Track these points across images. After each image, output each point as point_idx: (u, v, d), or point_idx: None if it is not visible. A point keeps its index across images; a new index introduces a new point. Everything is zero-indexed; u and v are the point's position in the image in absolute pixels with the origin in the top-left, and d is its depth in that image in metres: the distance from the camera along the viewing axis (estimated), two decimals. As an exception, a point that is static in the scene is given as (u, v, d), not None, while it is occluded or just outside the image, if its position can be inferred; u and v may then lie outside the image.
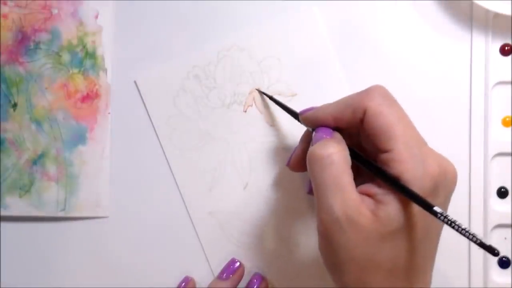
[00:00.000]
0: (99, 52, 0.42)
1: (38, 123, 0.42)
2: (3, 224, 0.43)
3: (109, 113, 0.42)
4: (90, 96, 0.42)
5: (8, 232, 0.43)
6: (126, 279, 0.42)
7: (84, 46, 0.42)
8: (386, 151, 0.29)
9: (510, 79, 0.40)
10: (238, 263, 0.41)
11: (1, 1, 0.42)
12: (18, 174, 0.42)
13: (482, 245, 0.25)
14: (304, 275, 0.42)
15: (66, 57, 0.42)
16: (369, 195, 0.30)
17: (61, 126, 0.42)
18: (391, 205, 0.28)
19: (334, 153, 0.30)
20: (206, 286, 0.41)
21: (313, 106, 0.34)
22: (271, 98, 0.40)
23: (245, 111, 0.41)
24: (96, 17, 0.42)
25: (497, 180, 0.41)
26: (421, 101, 0.41)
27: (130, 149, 0.42)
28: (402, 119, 0.30)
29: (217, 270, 0.42)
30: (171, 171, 0.42)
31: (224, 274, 0.41)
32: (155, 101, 0.42)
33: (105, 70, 0.42)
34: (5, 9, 0.42)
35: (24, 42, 0.42)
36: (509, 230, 0.41)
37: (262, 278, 0.41)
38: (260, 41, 0.41)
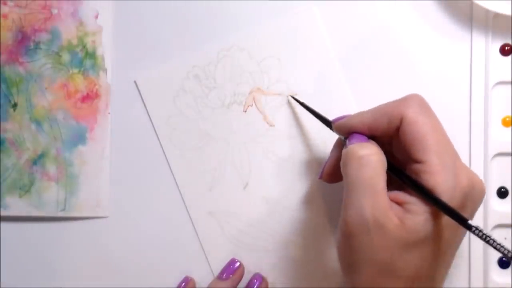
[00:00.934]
0: (99, 52, 0.42)
1: (38, 123, 0.42)
2: (3, 224, 0.43)
3: (109, 113, 0.42)
4: (90, 96, 0.42)
5: (8, 232, 0.43)
6: (126, 279, 0.42)
7: (84, 46, 0.42)
8: (419, 162, 0.29)
9: (510, 79, 0.40)
10: (238, 263, 0.41)
11: (1, 1, 0.42)
12: (18, 174, 0.42)
13: None
14: (305, 275, 0.42)
15: (66, 57, 0.42)
16: (398, 202, 0.30)
17: (61, 126, 0.42)
18: (419, 215, 0.29)
19: (372, 154, 0.30)
20: (206, 286, 0.41)
21: (346, 114, 0.34)
22: (303, 105, 0.40)
23: (245, 111, 0.41)
24: (96, 17, 0.42)
25: (497, 180, 0.41)
26: (421, 101, 0.41)
27: (130, 149, 0.42)
28: (437, 130, 0.30)
29: (217, 270, 0.42)
30: (171, 171, 0.42)
31: (224, 274, 0.41)
32: (155, 101, 0.42)
33: (105, 70, 0.42)
34: (5, 9, 0.42)
35: (24, 42, 0.42)
36: (509, 230, 0.41)
37: (262, 278, 0.41)
38: (260, 41, 0.41)
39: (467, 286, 0.41)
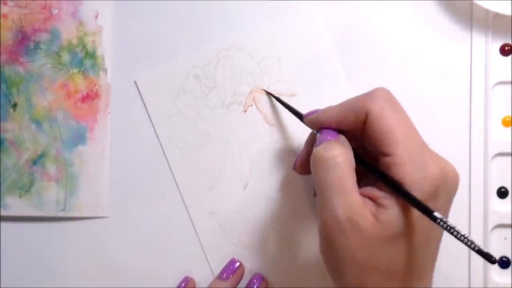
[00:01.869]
0: (99, 52, 0.42)
1: (38, 123, 0.42)
2: (3, 224, 0.43)
3: (109, 113, 0.42)
4: (90, 96, 0.42)
5: (8, 232, 0.43)
6: (126, 279, 0.42)
7: (84, 46, 0.42)
8: (387, 155, 0.29)
9: (510, 79, 0.40)
10: (238, 263, 0.41)
11: (1, 1, 0.42)
12: (18, 174, 0.42)
13: (480, 252, 0.26)
14: (305, 275, 0.42)
15: (66, 57, 0.42)
16: (371, 198, 0.30)
17: (61, 126, 0.42)
18: (392, 209, 0.29)
19: (338, 155, 0.30)
20: (206, 286, 0.41)
21: (318, 109, 0.34)
22: (277, 98, 0.40)
23: (245, 111, 0.41)
24: (96, 17, 0.42)
25: (497, 180, 0.41)
26: (421, 101, 0.41)
27: (130, 149, 0.42)
28: (404, 122, 0.30)
29: (217, 270, 0.42)
30: (171, 171, 0.42)
31: (224, 274, 0.41)
32: (155, 101, 0.42)
33: (105, 70, 0.42)
34: (5, 9, 0.42)
35: (24, 42, 0.42)
36: (509, 230, 0.41)
37: (262, 278, 0.41)
38: (260, 41, 0.41)
39: (467, 286, 0.41)
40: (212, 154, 0.42)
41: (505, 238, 0.41)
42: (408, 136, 0.30)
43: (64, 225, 0.43)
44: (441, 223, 0.27)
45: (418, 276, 0.30)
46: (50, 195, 0.42)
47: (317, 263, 0.41)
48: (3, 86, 0.42)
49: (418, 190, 0.28)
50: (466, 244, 0.26)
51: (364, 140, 0.32)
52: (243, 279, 0.41)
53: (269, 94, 0.41)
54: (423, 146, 0.30)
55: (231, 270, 0.41)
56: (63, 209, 0.42)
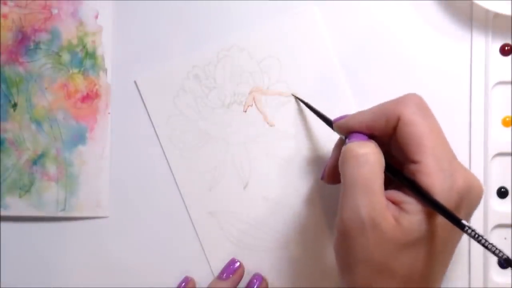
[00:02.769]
0: (99, 52, 0.42)
1: (38, 123, 0.42)
2: (3, 224, 0.43)
3: (109, 113, 0.42)
4: (90, 96, 0.42)
5: (8, 232, 0.43)
6: (126, 279, 0.42)
7: (84, 46, 0.42)
8: (415, 162, 0.29)
9: (510, 79, 0.40)
10: (238, 263, 0.41)
11: (1, 1, 0.41)
12: (18, 174, 0.42)
13: (508, 261, 0.26)
14: (305, 275, 0.42)
15: (66, 57, 0.42)
16: (394, 201, 0.30)
17: (61, 126, 0.42)
18: (415, 215, 0.29)
19: (370, 153, 0.30)
20: (206, 286, 0.41)
21: (347, 114, 0.34)
22: (306, 104, 0.40)
23: (245, 111, 0.41)
24: (96, 17, 0.42)
25: (497, 180, 0.41)
26: (421, 101, 0.41)
27: (130, 149, 0.42)
28: (434, 130, 0.30)
29: (217, 270, 0.42)
30: (171, 171, 0.42)
31: (224, 274, 0.41)
32: (155, 101, 0.42)
33: (105, 70, 0.42)
34: (5, 9, 0.42)
35: (24, 42, 0.42)
36: (509, 230, 0.41)
37: (262, 278, 0.41)
38: (260, 41, 0.41)
39: (467, 286, 0.41)
40: (212, 154, 0.42)
41: (505, 238, 0.41)
42: (437, 144, 0.29)
43: (64, 225, 0.43)
44: (469, 231, 0.27)
45: (431, 283, 0.30)
46: (50, 195, 0.42)
47: (317, 263, 0.41)
48: (3, 86, 0.42)
49: (443, 200, 0.28)
50: (493, 252, 0.26)
51: (389, 146, 0.32)
52: (243, 279, 0.41)
53: (297, 99, 0.41)
54: (451, 156, 0.30)
55: (231, 270, 0.41)
56: (63, 209, 0.42)
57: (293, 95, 0.41)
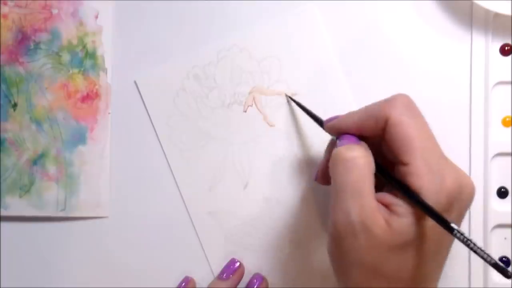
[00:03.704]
0: (99, 52, 0.42)
1: (38, 123, 0.42)
2: (3, 224, 0.43)
3: (109, 113, 0.42)
4: (90, 96, 0.42)
5: (8, 232, 0.43)
6: (126, 279, 0.42)
7: (84, 46, 0.42)
8: (404, 164, 0.29)
9: (510, 79, 0.40)
10: (238, 263, 0.41)
11: (1, 1, 0.42)
12: (18, 174, 0.42)
13: (496, 266, 0.26)
14: (305, 275, 0.42)
15: (66, 57, 0.42)
16: (385, 204, 0.30)
17: (61, 126, 0.42)
18: (405, 217, 0.29)
19: (359, 157, 0.30)
20: (206, 286, 0.41)
21: (338, 115, 0.34)
22: (297, 103, 0.40)
23: (245, 111, 0.41)
24: (96, 17, 0.42)
25: (497, 180, 0.41)
26: (421, 101, 0.40)
27: (130, 149, 0.42)
28: (422, 130, 0.30)
29: (217, 270, 0.42)
30: (171, 171, 0.42)
31: (224, 274, 0.41)
32: (155, 101, 0.42)
33: (105, 70, 0.42)
34: (5, 9, 0.42)
35: (24, 42, 0.42)
36: (509, 230, 0.41)
37: (262, 278, 0.41)
38: (260, 41, 0.41)
39: (467, 286, 0.41)
40: (212, 154, 0.42)
41: (505, 238, 0.41)
42: (426, 145, 0.29)
43: (64, 225, 0.43)
44: (458, 234, 0.27)
45: (424, 284, 0.30)
46: (50, 195, 0.42)
47: (317, 263, 0.41)
48: (3, 86, 0.42)
49: (433, 201, 0.28)
50: (482, 257, 0.26)
51: (381, 147, 0.32)
52: (243, 279, 0.41)
53: (289, 98, 0.41)
54: (440, 155, 0.30)
55: (231, 270, 0.41)
56: (63, 209, 0.42)
57: (286, 94, 0.41)
